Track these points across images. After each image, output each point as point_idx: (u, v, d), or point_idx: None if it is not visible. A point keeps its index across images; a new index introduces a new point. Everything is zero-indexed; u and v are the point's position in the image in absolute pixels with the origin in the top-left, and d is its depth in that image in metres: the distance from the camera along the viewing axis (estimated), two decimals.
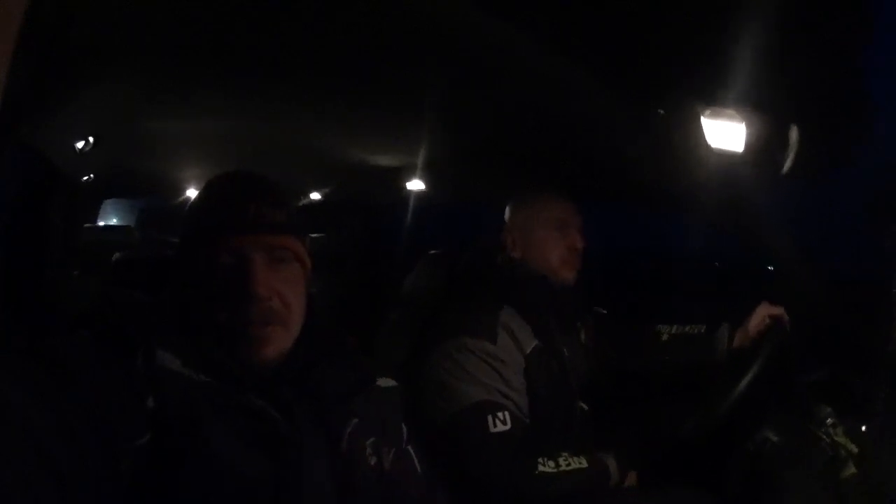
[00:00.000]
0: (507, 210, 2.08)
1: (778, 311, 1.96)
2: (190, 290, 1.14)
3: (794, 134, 1.43)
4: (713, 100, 1.39)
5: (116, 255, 2.83)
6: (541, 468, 1.65)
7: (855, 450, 1.60)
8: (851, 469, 1.58)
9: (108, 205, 6.88)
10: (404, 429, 1.35)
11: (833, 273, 2.05)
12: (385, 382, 1.35)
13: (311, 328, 1.22)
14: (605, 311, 2.27)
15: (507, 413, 1.68)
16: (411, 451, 1.35)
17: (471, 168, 2.93)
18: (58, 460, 0.79)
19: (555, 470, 1.66)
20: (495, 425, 1.65)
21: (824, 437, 1.63)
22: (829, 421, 1.65)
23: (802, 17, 1.08)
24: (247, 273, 1.09)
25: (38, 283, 2.71)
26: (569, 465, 1.68)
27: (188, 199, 5.28)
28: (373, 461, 1.20)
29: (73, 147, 2.47)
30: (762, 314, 1.97)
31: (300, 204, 4.67)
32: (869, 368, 1.78)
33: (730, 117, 1.42)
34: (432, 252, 2.27)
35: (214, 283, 1.10)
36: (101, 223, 6.61)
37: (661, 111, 1.51)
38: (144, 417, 0.94)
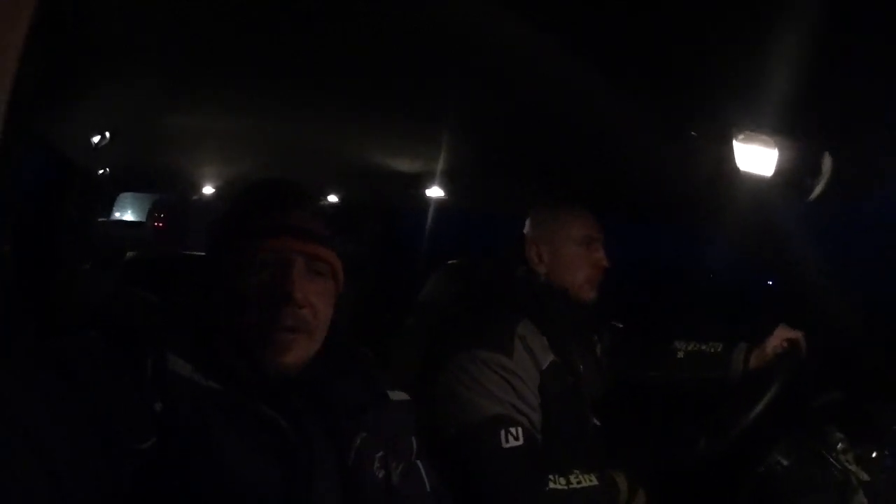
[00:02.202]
0: (530, 221, 2.05)
1: (795, 334, 1.95)
2: (218, 291, 1.14)
3: (826, 162, 1.42)
4: (747, 125, 1.39)
5: (129, 255, 2.84)
6: (551, 485, 1.65)
7: (865, 478, 1.59)
8: (862, 498, 1.58)
9: (122, 199, 6.89)
10: (414, 443, 1.35)
11: (856, 295, 2.03)
12: (397, 396, 1.34)
13: (332, 345, 1.22)
14: (621, 326, 2.27)
15: (520, 428, 1.67)
16: (420, 465, 1.34)
17: (491, 176, 2.92)
18: (57, 461, 0.80)
19: (565, 487, 1.66)
20: (507, 440, 1.65)
21: (835, 462, 1.63)
22: (839, 447, 1.64)
23: (837, 43, 1.08)
24: (286, 276, 1.10)
25: (53, 278, 2.72)
26: (579, 482, 1.68)
27: (203, 195, 5.30)
28: (381, 475, 1.20)
29: (89, 141, 2.48)
30: (780, 336, 1.96)
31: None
32: (886, 393, 1.77)
33: (763, 143, 1.41)
34: (450, 262, 2.27)
35: (250, 283, 1.11)
36: (116, 217, 6.62)
37: (694, 133, 1.51)
38: (151, 421, 0.95)
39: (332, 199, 4.62)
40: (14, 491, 0.75)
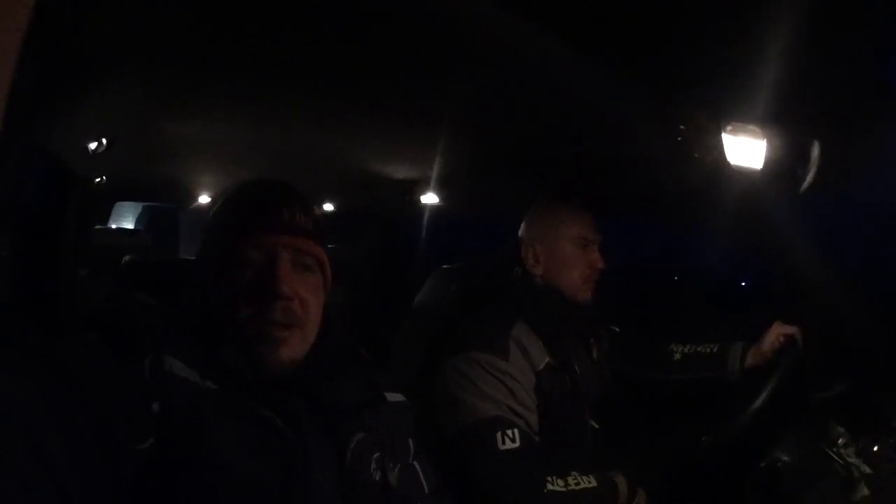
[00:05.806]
0: (525, 222, 2.04)
1: (791, 330, 1.95)
2: (211, 289, 1.15)
3: (815, 150, 1.41)
4: (735, 116, 1.38)
5: (126, 258, 2.83)
6: (549, 486, 1.64)
7: (868, 471, 1.58)
8: (864, 491, 1.57)
9: (119, 208, 6.91)
10: (411, 444, 1.35)
11: (854, 286, 2.03)
12: (394, 397, 1.35)
13: (326, 340, 1.23)
14: (618, 329, 2.26)
15: (516, 430, 1.67)
16: (417, 466, 1.35)
17: (485, 181, 2.93)
18: (57, 462, 0.80)
19: (563, 489, 1.65)
20: (504, 442, 1.64)
21: (836, 457, 1.62)
22: (840, 441, 1.63)
23: (823, 32, 1.08)
24: (274, 271, 1.12)
25: (50, 283, 2.72)
26: (578, 483, 1.67)
27: (200, 203, 5.29)
28: (377, 476, 1.20)
29: (86, 148, 2.48)
30: (776, 333, 1.95)
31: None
32: (887, 385, 1.76)
33: (751, 133, 1.39)
34: (445, 266, 2.27)
35: (240, 280, 1.12)
36: (113, 225, 6.64)
37: (682, 127, 1.50)
38: (149, 422, 0.95)
39: (329, 207, 4.62)
40: (13, 491, 0.75)
